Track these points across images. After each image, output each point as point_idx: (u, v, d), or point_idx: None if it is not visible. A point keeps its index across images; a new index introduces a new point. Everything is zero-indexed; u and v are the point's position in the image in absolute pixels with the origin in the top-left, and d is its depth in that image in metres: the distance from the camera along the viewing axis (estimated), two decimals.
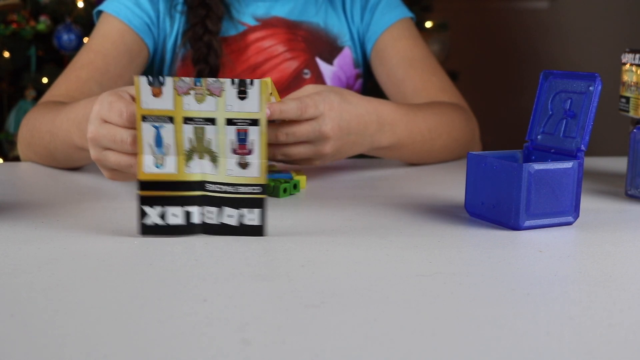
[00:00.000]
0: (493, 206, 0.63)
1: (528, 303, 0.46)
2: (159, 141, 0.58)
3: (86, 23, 2.26)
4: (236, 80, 0.57)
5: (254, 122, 0.58)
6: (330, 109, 0.76)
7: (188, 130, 0.58)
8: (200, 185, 0.59)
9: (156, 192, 0.59)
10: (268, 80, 0.59)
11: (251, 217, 0.60)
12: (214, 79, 0.57)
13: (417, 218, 0.66)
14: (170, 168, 0.59)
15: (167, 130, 0.58)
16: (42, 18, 2.31)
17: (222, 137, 0.58)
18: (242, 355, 0.37)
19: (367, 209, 0.70)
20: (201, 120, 0.58)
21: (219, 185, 0.60)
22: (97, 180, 0.84)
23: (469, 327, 0.42)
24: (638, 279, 0.51)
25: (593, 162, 0.98)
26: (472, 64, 3.38)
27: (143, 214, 0.59)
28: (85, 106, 0.78)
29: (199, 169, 0.59)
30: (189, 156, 0.59)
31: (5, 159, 2.33)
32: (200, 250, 0.57)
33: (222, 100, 0.58)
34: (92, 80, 0.97)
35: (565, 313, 0.44)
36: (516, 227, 0.61)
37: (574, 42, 3.56)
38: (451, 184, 0.82)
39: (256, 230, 0.60)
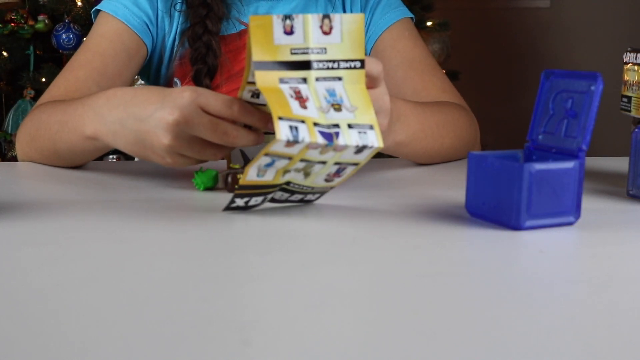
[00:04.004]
0: (494, 206, 0.63)
1: (529, 303, 0.45)
2: (270, 164, 0.61)
3: (85, 22, 2.26)
4: (360, 144, 0.61)
5: (355, 164, 0.65)
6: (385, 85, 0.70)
7: (299, 164, 0.62)
8: (285, 183, 0.66)
9: (249, 190, 0.64)
10: (381, 146, 0.62)
11: (311, 197, 0.70)
12: (344, 144, 0.60)
13: (417, 218, 0.66)
14: (268, 177, 0.63)
15: (282, 162, 0.61)
16: (41, 17, 2.31)
17: (324, 170, 0.64)
18: (242, 355, 0.37)
19: (367, 209, 0.70)
20: (315, 161, 0.62)
21: (300, 186, 0.67)
22: (96, 180, 0.84)
23: (469, 328, 0.41)
24: (639, 279, 0.51)
25: (594, 162, 0.98)
26: (473, 63, 3.38)
27: (232, 202, 0.65)
28: (107, 97, 0.76)
29: (290, 177, 0.64)
30: (287, 171, 0.63)
31: (3, 159, 2.33)
32: (200, 250, 0.56)
33: (339, 153, 0.62)
34: (90, 80, 0.96)
35: (566, 314, 0.44)
36: (517, 227, 0.61)
37: (575, 42, 3.56)
38: (452, 184, 0.82)
39: (309, 202, 0.71)
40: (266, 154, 0.59)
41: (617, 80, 0.89)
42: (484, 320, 0.43)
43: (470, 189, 0.65)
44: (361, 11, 1.10)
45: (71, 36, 2.22)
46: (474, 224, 0.64)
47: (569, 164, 0.62)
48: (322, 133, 0.59)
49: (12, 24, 2.27)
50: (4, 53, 2.31)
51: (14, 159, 2.23)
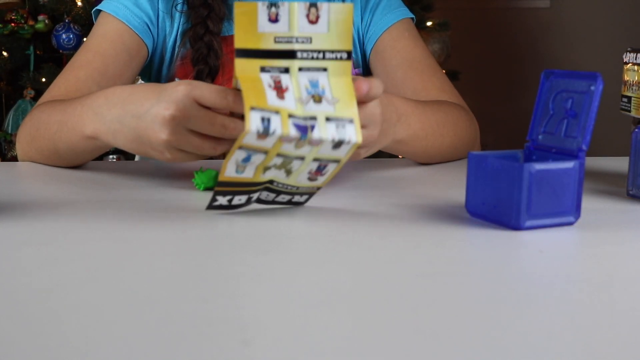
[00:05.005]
0: (494, 206, 0.63)
1: (529, 303, 0.45)
2: (247, 159, 0.60)
3: (85, 22, 2.26)
4: (336, 139, 0.60)
5: (336, 161, 0.63)
6: (379, 98, 0.70)
7: (277, 160, 0.61)
8: (268, 182, 0.64)
9: (230, 188, 0.63)
10: (359, 142, 0.61)
11: (299, 198, 0.69)
12: (318, 137, 0.59)
13: (417, 218, 0.66)
14: (248, 174, 0.62)
15: (258, 157, 0.60)
16: (41, 17, 2.31)
17: (304, 167, 0.63)
18: (242, 355, 0.37)
19: (367, 209, 0.70)
20: (292, 157, 0.61)
21: (285, 185, 0.65)
22: (96, 180, 0.84)
23: (469, 328, 0.41)
24: (639, 279, 0.51)
25: (594, 162, 0.98)
26: (473, 64, 3.38)
27: (214, 200, 0.64)
28: (105, 96, 0.76)
29: (272, 175, 0.63)
30: (267, 168, 0.62)
31: (3, 159, 2.33)
32: (200, 250, 0.56)
33: (316, 148, 0.60)
34: (91, 80, 0.96)
35: (566, 314, 0.44)
36: (517, 227, 0.61)
37: (575, 42, 3.56)
38: (451, 184, 0.82)
39: (298, 204, 0.70)
40: (240, 147, 0.58)
41: (617, 80, 0.89)
42: (483, 320, 0.43)
43: (470, 189, 0.65)
44: (361, 12, 1.10)
45: (71, 36, 2.22)
46: (474, 224, 0.64)
47: (569, 164, 0.62)
48: (296, 125, 0.58)
49: (12, 24, 2.27)
50: (4, 53, 2.32)
51: (14, 159, 2.23)
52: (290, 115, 0.59)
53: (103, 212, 0.68)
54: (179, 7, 1.04)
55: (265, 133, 0.57)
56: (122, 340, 0.39)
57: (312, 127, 0.59)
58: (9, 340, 0.39)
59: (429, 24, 2.62)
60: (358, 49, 1.11)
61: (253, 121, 0.57)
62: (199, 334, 0.39)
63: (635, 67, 0.78)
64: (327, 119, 0.60)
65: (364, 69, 1.12)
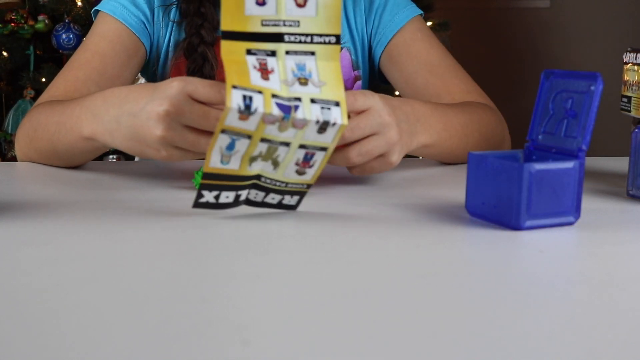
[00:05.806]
0: (494, 206, 0.63)
1: (529, 303, 0.45)
2: (231, 146, 0.59)
3: (85, 22, 2.26)
4: (320, 120, 0.59)
5: (323, 149, 0.62)
6: (379, 100, 0.72)
7: (262, 146, 0.60)
8: (255, 177, 0.63)
9: (216, 181, 0.61)
10: (345, 124, 0.61)
11: (290, 200, 0.66)
12: (302, 117, 0.58)
13: (417, 218, 0.66)
14: (233, 165, 0.61)
15: (242, 143, 0.59)
16: (41, 17, 2.31)
17: (290, 156, 0.62)
18: (241, 355, 0.37)
19: (367, 209, 0.70)
20: (277, 142, 0.60)
21: (273, 181, 0.64)
22: (96, 180, 0.84)
23: (469, 328, 0.41)
24: (639, 279, 0.51)
25: (594, 162, 0.98)
26: (473, 63, 3.38)
27: (200, 196, 0.62)
28: (104, 97, 0.77)
29: (259, 168, 0.62)
30: (253, 159, 0.61)
31: (3, 159, 2.33)
32: (200, 250, 0.56)
33: (301, 132, 0.60)
34: (90, 81, 0.96)
35: (567, 314, 0.44)
36: (517, 227, 0.61)
37: (575, 42, 3.56)
38: (451, 184, 0.82)
39: (290, 208, 0.67)
40: (223, 131, 0.58)
41: (617, 80, 0.89)
42: (483, 320, 0.43)
43: (470, 189, 0.65)
44: (365, 13, 1.07)
45: (71, 36, 2.22)
46: (474, 224, 0.64)
47: (569, 164, 0.62)
48: (279, 105, 0.58)
49: (12, 24, 2.27)
50: (4, 53, 2.32)
51: (14, 159, 2.23)
52: (274, 95, 0.58)
53: (103, 212, 0.68)
54: (172, 14, 1.04)
55: (247, 111, 0.56)
56: (122, 340, 0.39)
57: (296, 108, 0.58)
58: (9, 340, 0.39)
59: (429, 24, 2.62)
60: (359, 50, 1.08)
61: (234, 98, 0.56)
62: (198, 333, 0.39)
63: (635, 67, 0.78)
64: (312, 101, 0.60)
65: (370, 71, 1.11)
